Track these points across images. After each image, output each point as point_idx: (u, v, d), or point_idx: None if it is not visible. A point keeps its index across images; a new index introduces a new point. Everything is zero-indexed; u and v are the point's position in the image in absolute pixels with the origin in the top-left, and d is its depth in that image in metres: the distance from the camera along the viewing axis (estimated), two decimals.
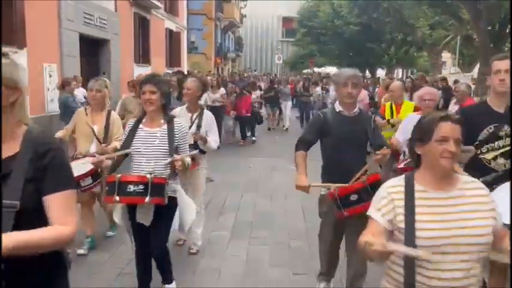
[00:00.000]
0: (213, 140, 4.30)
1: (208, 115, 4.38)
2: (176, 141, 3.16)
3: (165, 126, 3.17)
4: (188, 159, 3.19)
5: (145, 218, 3.11)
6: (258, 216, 5.70)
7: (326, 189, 3.16)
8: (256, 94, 12.26)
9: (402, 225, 1.77)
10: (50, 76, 8.40)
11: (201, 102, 8.84)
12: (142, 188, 2.90)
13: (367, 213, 1.91)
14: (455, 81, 13.24)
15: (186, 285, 3.78)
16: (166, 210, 3.12)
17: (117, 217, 3.31)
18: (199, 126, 4.27)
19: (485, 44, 16.41)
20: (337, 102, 3.30)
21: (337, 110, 3.25)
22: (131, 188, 2.90)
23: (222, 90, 10.50)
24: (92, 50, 11.01)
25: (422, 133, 1.82)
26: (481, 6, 15.69)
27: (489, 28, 16.39)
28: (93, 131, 4.22)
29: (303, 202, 6.14)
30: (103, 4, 10.95)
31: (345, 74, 3.19)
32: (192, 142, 4.09)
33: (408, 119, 4.35)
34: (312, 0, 34.17)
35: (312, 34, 32.99)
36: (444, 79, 12.66)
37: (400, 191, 1.83)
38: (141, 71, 11.65)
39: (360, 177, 3.00)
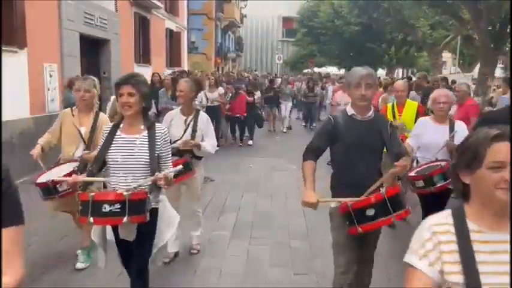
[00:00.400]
0: (210, 144, 4.08)
1: (204, 117, 4.14)
2: (158, 149, 2.82)
3: (145, 133, 2.83)
4: (171, 174, 2.87)
5: (128, 233, 2.83)
6: (259, 216, 5.70)
7: (337, 202, 2.84)
8: (257, 95, 12.13)
9: (455, 278, 1.36)
10: (51, 76, 8.40)
11: (196, 102, 8.80)
12: (119, 207, 2.56)
13: (404, 260, 1.50)
14: (453, 82, 13.22)
15: (186, 285, 3.79)
16: (149, 224, 2.79)
17: (95, 235, 2.99)
18: (194, 130, 4.02)
19: (486, 44, 16.40)
20: (349, 105, 2.95)
21: (349, 114, 2.90)
22: (106, 207, 2.56)
23: (221, 90, 10.41)
24: (93, 50, 11.00)
25: (469, 157, 1.41)
26: (481, 6, 15.67)
27: (489, 28, 16.37)
28: (80, 134, 3.93)
29: None
30: (103, 4, 10.94)
31: (358, 73, 2.82)
32: (184, 147, 3.94)
33: (421, 123, 4.17)
34: (312, 0, 34.18)
35: (312, 34, 32.99)
36: (445, 79, 12.64)
37: (448, 232, 1.41)
38: (141, 71, 11.64)
39: (375, 191, 2.67)
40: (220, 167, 8.18)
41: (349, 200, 2.65)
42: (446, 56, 33.36)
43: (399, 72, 35.15)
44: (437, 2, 18.71)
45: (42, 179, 3.71)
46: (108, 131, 2.88)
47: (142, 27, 14.39)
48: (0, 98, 4.81)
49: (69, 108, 4.14)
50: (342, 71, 32.20)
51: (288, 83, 15.37)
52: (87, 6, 10.03)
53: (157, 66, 14.95)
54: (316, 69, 30.72)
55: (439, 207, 3.94)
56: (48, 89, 8.32)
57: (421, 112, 5.25)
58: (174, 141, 3.90)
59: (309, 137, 3.16)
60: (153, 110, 5.85)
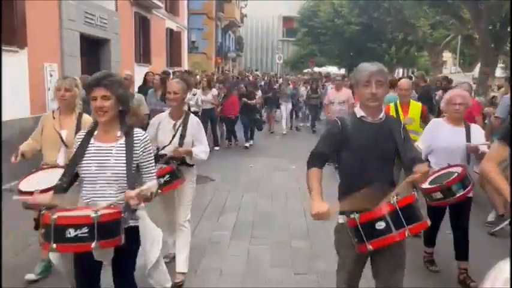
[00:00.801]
0: (202, 151, 3.75)
1: (194, 121, 3.81)
2: (136, 158, 2.51)
3: (123, 140, 2.51)
4: (152, 189, 2.53)
5: (103, 254, 2.47)
6: (259, 216, 5.69)
7: (344, 217, 2.55)
8: (259, 94, 12.00)
9: None
10: (51, 76, 8.40)
11: (192, 102, 8.65)
12: (86, 230, 2.19)
13: None
14: (449, 81, 13.20)
15: (187, 285, 3.78)
16: (129, 244, 2.43)
17: (53, 256, 2.64)
18: (183, 136, 3.70)
19: (486, 43, 16.41)
20: (358, 105, 2.67)
21: (358, 116, 2.60)
22: (71, 232, 2.18)
23: (214, 91, 10.09)
24: (93, 50, 11.00)
25: None
26: (481, 6, 15.68)
27: (490, 28, 16.37)
28: (61, 137, 3.66)
29: (304, 202, 6.14)
30: (104, 4, 10.94)
31: (367, 70, 2.52)
32: (175, 156, 3.65)
33: (433, 125, 3.96)
34: (312, 0, 34.20)
35: (313, 34, 33.03)
36: (446, 78, 12.63)
37: None
38: (141, 70, 11.65)
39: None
40: (220, 166, 8.18)
41: (359, 196, 2.34)
42: (447, 55, 33.40)
43: (399, 72, 35.17)
44: (438, 2, 18.73)
45: (24, 186, 3.28)
46: (81, 139, 2.56)
47: (143, 27, 14.39)
48: (1, 97, 4.82)
49: (50, 111, 3.86)
50: (342, 71, 32.23)
51: (288, 83, 15.27)
52: (88, 6, 10.03)
53: (157, 66, 14.94)
54: (316, 69, 30.75)
55: (458, 219, 3.77)
56: (49, 89, 8.32)
57: (425, 114, 5.08)
58: (162, 148, 3.71)
59: (310, 137, 3.08)
60: (146, 110, 5.58)
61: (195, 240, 4.58)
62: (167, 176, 3.59)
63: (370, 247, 2.31)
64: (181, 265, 3.82)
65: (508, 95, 5.49)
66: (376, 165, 2.52)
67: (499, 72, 21.13)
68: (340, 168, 2.71)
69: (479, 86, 15.25)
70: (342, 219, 2.61)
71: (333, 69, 32.32)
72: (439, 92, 10.97)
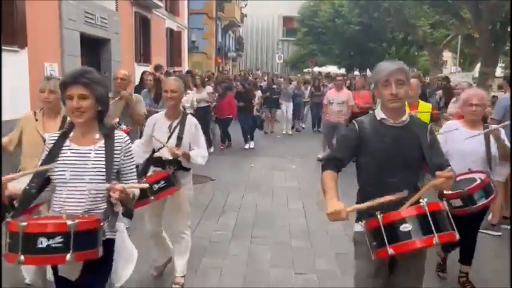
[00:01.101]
0: (200, 155, 3.54)
1: (192, 123, 3.59)
2: (117, 162, 2.28)
3: (102, 143, 2.28)
4: (135, 191, 2.31)
5: (70, 270, 2.22)
6: (259, 215, 5.70)
7: (363, 226, 2.31)
8: (258, 94, 11.88)
9: None
10: (51, 75, 8.42)
11: (188, 104, 8.56)
12: (60, 240, 1.91)
13: None
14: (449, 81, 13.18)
15: (187, 285, 3.78)
16: (103, 258, 2.15)
17: (28, 272, 2.46)
18: (180, 137, 3.49)
19: (486, 43, 16.40)
20: (379, 107, 2.48)
21: (379, 118, 2.43)
22: (43, 242, 1.90)
23: (209, 88, 9.83)
24: (93, 50, 11.01)
25: None
26: (482, 6, 15.67)
27: (490, 28, 16.37)
28: (44, 141, 3.14)
29: (305, 202, 6.16)
30: (104, 4, 10.95)
31: (386, 69, 2.35)
32: (170, 157, 3.46)
33: (448, 127, 3.72)
34: (312, 0, 34.23)
35: (313, 33, 33.04)
36: (446, 78, 12.63)
37: None
38: (142, 70, 11.64)
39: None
40: (220, 166, 8.19)
41: (382, 201, 2.14)
42: (447, 55, 33.38)
43: None
44: (438, 2, 18.71)
45: None
46: (54, 141, 2.31)
47: (143, 26, 14.40)
48: (1, 97, 4.81)
49: (31, 112, 3.62)
50: (342, 70, 32.27)
51: (289, 82, 15.20)
52: (88, 5, 10.03)
53: None
54: (316, 69, 30.75)
55: (470, 222, 3.54)
56: None
57: (435, 115, 4.89)
58: (158, 150, 3.56)
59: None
60: (144, 110, 5.54)
61: (195, 240, 4.58)
62: (162, 182, 3.39)
63: (391, 251, 2.07)
64: (181, 269, 3.76)
65: (506, 95, 5.45)
66: (397, 171, 2.36)
67: (499, 72, 21.13)
68: (358, 174, 2.54)
69: (479, 86, 15.21)
70: (358, 226, 2.40)
71: (333, 69, 32.33)
72: (439, 92, 10.98)
